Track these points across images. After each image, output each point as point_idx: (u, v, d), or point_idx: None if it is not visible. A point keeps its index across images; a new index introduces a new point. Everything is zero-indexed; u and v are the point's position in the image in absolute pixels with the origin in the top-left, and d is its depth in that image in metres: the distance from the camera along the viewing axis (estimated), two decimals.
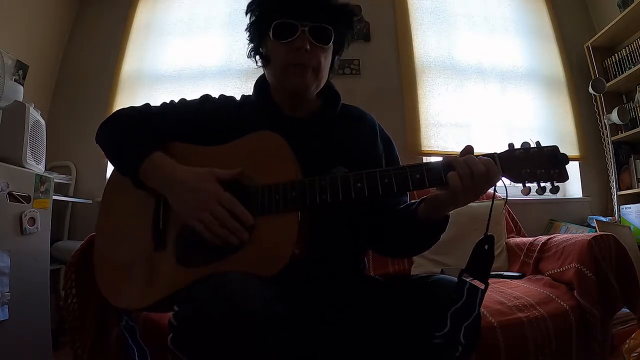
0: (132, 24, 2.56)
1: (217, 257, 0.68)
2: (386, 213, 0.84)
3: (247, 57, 0.88)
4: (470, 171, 0.64)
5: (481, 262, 0.67)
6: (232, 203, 0.68)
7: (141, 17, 2.58)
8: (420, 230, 0.76)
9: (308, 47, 0.77)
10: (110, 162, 0.83)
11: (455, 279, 0.68)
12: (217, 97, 0.90)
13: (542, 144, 0.68)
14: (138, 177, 0.76)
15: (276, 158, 0.73)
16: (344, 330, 0.74)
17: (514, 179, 0.67)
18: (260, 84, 0.90)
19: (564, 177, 0.66)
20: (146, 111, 0.86)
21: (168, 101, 0.89)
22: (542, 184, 0.67)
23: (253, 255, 0.67)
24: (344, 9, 0.83)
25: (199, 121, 0.83)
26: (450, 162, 0.66)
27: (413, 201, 0.80)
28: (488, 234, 0.67)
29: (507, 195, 0.70)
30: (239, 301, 0.54)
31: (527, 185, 0.67)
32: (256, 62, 0.88)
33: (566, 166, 0.67)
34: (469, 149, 0.68)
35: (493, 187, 0.67)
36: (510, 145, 0.69)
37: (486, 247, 0.67)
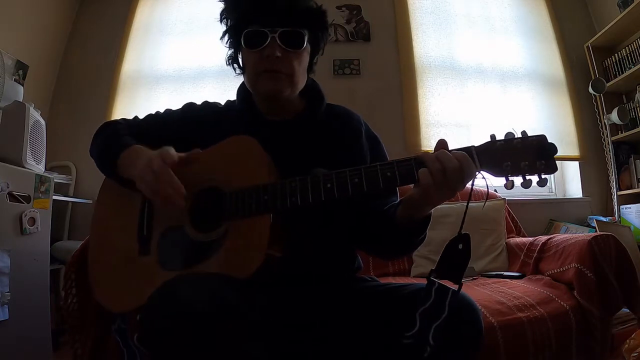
0: (132, 24, 2.55)
1: (194, 260, 0.69)
2: (372, 214, 0.82)
3: (226, 64, 0.89)
4: (442, 167, 0.61)
5: (454, 262, 0.64)
6: (164, 163, 0.69)
7: (141, 17, 2.58)
8: (401, 232, 0.74)
9: (278, 53, 0.77)
10: (99, 167, 0.85)
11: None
12: (199, 104, 0.91)
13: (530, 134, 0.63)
14: (118, 172, 0.77)
15: (250, 162, 0.74)
16: (317, 331, 0.74)
17: (495, 173, 0.63)
18: (242, 89, 0.91)
19: (552, 168, 0.61)
20: (132, 121, 0.90)
21: (154, 112, 0.92)
22: (528, 177, 0.62)
23: (228, 259, 0.68)
24: (315, 11, 0.83)
25: (181, 129, 0.85)
26: (422, 157, 0.63)
27: (396, 201, 0.79)
28: (463, 232, 0.64)
29: (487, 190, 0.68)
30: (186, 300, 0.56)
31: (510, 179, 0.63)
32: (234, 70, 0.89)
33: (554, 156, 0.62)
34: (442, 143, 0.65)
35: (471, 183, 0.64)
36: (492, 137, 0.64)
37: (460, 246, 0.64)
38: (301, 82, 0.84)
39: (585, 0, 2.73)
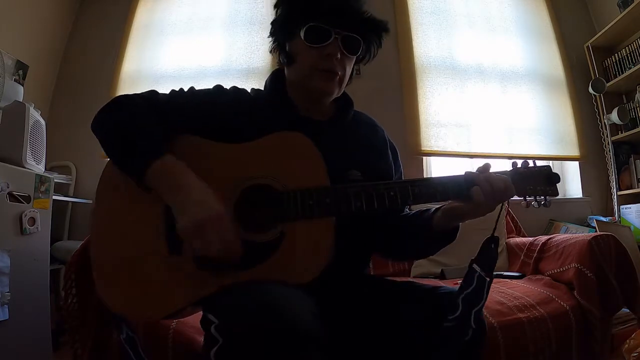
0: (132, 24, 2.55)
1: (245, 263, 0.65)
2: (393, 218, 0.85)
3: (269, 52, 0.87)
4: (492, 188, 0.69)
5: (487, 257, 0.71)
6: (228, 236, 0.63)
7: (141, 17, 2.58)
8: (434, 237, 0.78)
9: (339, 55, 0.77)
10: (109, 155, 0.74)
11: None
12: (229, 88, 0.85)
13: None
14: (143, 179, 0.68)
15: (305, 161, 0.71)
16: (359, 329, 0.74)
17: (519, 194, 0.75)
18: (275, 80, 0.87)
19: (556, 193, 0.77)
20: (154, 99, 0.78)
21: (177, 89, 0.82)
22: (539, 198, 0.75)
23: (287, 263, 0.65)
24: (379, 24, 0.83)
25: (211, 112, 0.78)
26: (473, 178, 0.71)
27: (426, 209, 0.81)
28: (495, 235, 0.73)
29: (508, 206, 0.75)
30: (290, 317, 0.53)
31: (528, 199, 0.76)
32: (279, 59, 0.86)
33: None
34: (487, 167, 0.73)
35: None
36: (514, 164, 0.76)
37: (492, 245, 0.72)
38: (344, 86, 0.85)
39: (585, 0, 2.73)
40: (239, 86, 0.88)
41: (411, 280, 0.89)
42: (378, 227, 0.85)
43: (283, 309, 0.53)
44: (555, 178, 0.76)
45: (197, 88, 0.84)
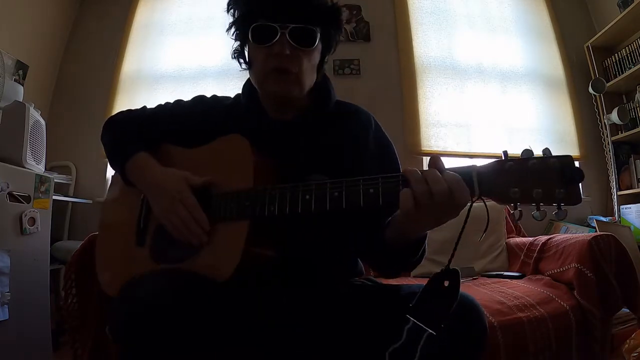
0: (132, 24, 2.56)
1: (179, 258, 0.71)
2: (373, 225, 0.74)
3: (232, 58, 0.85)
4: (429, 190, 0.52)
5: (435, 302, 0.53)
6: (193, 207, 0.70)
7: (141, 17, 2.59)
8: (391, 251, 0.69)
9: (288, 51, 0.72)
10: (109, 161, 0.89)
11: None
12: (209, 97, 0.90)
13: (553, 152, 0.50)
14: (125, 176, 0.81)
15: (238, 164, 0.72)
16: (303, 333, 0.72)
17: (499, 201, 0.52)
18: (248, 85, 0.88)
19: (574, 198, 0.48)
20: (140, 114, 0.90)
21: (164, 103, 0.91)
22: (543, 207, 0.51)
23: (208, 260, 0.69)
24: (329, 8, 0.77)
25: (187, 123, 0.85)
26: (407, 177, 0.54)
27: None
28: (451, 267, 0.53)
29: (487, 225, 0.55)
30: (145, 296, 0.58)
31: (520, 208, 0.52)
32: (240, 65, 0.85)
33: (579, 184, 0.49)
34: (435, 160, 0.55)
35: (468, 209, 0.53)
36: (504, 154, 0.53)
37: (446, 283, 0.52)
38: (310, 81, 0.79)
39: (585, 0, 2.73)
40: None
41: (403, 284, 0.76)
42: (357, 232, 0.78)
43: (144, 289, 0.60)
44: (574, 174, 0.48)
45: (185, 99, 0.92)
